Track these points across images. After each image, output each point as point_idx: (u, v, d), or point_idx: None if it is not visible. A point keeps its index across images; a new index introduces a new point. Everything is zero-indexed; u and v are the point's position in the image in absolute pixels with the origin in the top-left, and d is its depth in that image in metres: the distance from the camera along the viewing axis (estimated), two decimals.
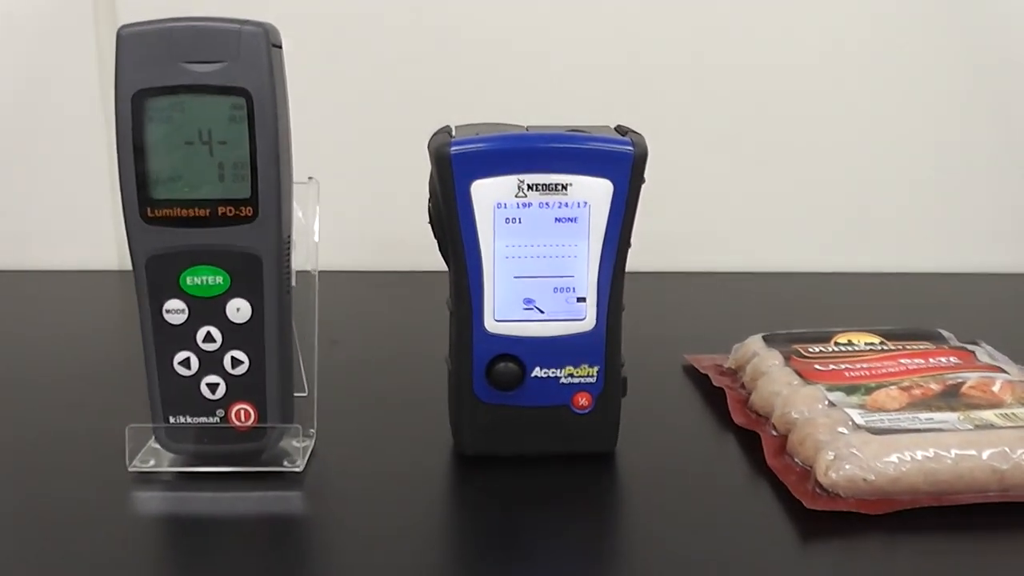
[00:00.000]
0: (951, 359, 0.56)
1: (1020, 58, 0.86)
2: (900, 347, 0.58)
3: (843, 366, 0.55)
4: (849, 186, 0.88)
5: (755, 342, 0.60)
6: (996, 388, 0.51)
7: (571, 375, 0.48)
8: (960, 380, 0.52)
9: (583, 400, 0.48)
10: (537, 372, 0.47)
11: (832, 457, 0.45)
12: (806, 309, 0.78)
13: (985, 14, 0.85)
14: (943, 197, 0.89)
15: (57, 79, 0.84)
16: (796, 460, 0.48)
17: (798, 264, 0.87)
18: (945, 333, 0.61)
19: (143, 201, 0.44)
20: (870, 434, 0.46)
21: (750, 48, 0.85)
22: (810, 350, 0.57)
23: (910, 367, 0.55)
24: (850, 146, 0.87)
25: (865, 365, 0.55)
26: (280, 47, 0.45)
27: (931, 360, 0.56)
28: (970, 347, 0.58)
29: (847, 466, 0.44)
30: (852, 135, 0.87)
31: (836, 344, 0.59)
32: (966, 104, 0.87)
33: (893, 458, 0.44)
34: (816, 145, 0.87)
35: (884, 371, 0.54)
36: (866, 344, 0.59)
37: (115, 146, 0.44)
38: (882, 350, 0.58)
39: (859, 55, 0.85)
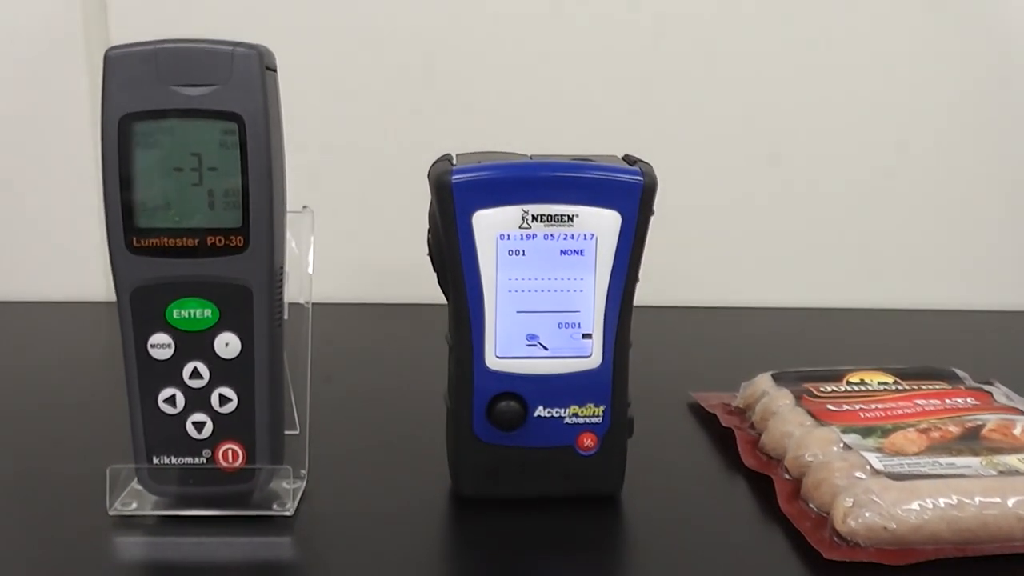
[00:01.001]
0: (968, 400, 0.54)
1: None
2: (915, 387, 0.56)
3: (857, 406, 0.53)
4: (855, 221, 0.86)
5: (764, 380, 0.58)
6: (1017, 431, 0.49)
7: (576, 415, 0.46)
8: (979, 423, 0.50)
9: (588, 441, 0.46)
10: (540, 411, 0.45)
11: (850, 504, 0.43)
12: (813, 346, 0.76)
13: (995, 39, 0.83)
14: (951, 233, 0.87)
15: (46, 101, 0.82)
16: (811, 506, 0.45)
17: (804, 299, 0.86)
18: (960, 373, 0.59)
19: (128, 230, 0.42)
20: (890, 479, 0.44)
21: (754, 78, 0.83)
22: (822, 389, 0.55)
23: (926, 408, 0.53)
24: (859, 179, 0.85)
25: (880, 406, 0.53)
26: (274, 70, 0.43)
27: (947, 401, 0.54)
28: (986, 387, 0.56)
29: (867, 513, 0.42)
30: (861, 168, 0.85)
31: (848, 383, 0.57)
32: (981, 139, 0.85)
33: (915, 505, 0.42)
34: (824, 177, 0.85)
35: (900, 412, 0.52)
36: (879, 383, 0.57)
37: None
38: (896, 390, 0.56)
39: (869, 86, 0.84)
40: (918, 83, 0.84)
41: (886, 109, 0.84)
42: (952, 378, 0.58)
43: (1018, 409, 0.53)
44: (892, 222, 0.87)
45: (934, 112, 0.84)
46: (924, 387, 0.56)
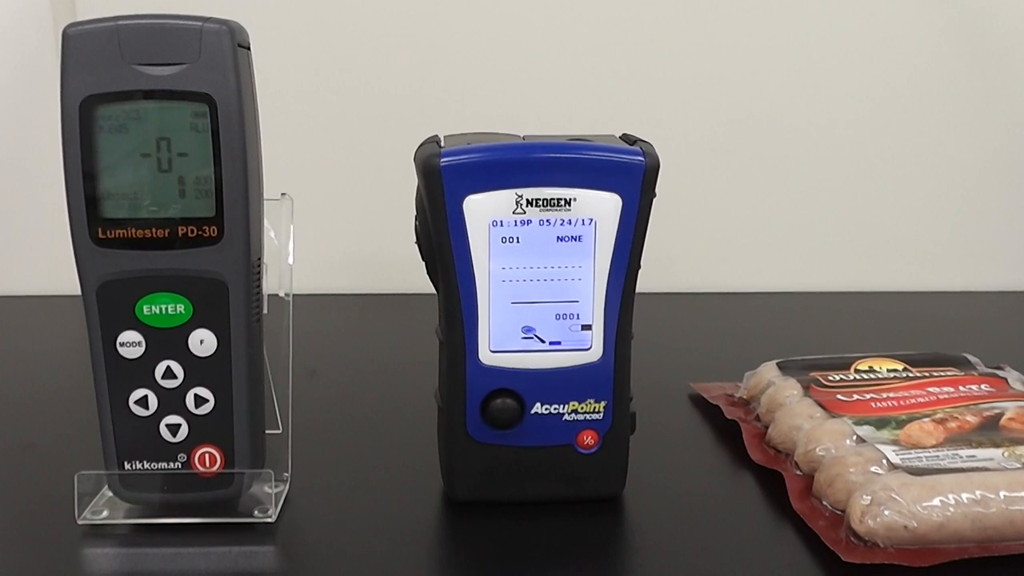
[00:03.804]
0: (983, 387, 0.52)
1: None
2: (926, 374, 0.54)
3: (868, 396, 0.51)
4: (856, 203, 0.84)
5: (769, 369, 0.55)
6: None
7: (575, 411, 0.43)
8: (997, 411, 0.48)
9: (588, 439, 0.44)
10: (537, 408, 0.43)
11: (868, 501, 0.40)
12: (816, 332, 0.74)
13: (991, 24, 0.81)
14: (951, 215, 0.85)
15: (12, 85, 0.79)
16: (825, 503, 0.43)
17: (804, 284, 0.84)
18: (971, 358, 0.57)
19: (93, 221, 0.40)
20: (909, 475, 0.41)
21: (756, 65, 0.81)
22: (830, 378, 0.53)
23: (940, 396, 0.50)
24: (860, 160, 0.83)
25: (892, 395, 0.51)
26: (247, 48, 0.41)
27: (961, 388, 0.52)
28: (999, 373, 0.54)
29: (886, 512, 0.40)
30: (864, 149, 0.83)
31: (857, 371, 0.54)
32: (985, 120, 0.83)
33: (936, 502, 0.40)
34: (825, 160, 0.83)
35: (913, 401, 0.50)
36: (889, 371, 0.54)
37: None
38: (907, 377, 0.53)
39: (874, 71, 0.82)
40: (920, 63, 0.82)
41: (891, 90, 0.82)
42: (963, 364, 0.56)
43: None
44: (893, 203, 0.84)
45: (937, 92, 0.82)
46: (936, 374, 0.54)
